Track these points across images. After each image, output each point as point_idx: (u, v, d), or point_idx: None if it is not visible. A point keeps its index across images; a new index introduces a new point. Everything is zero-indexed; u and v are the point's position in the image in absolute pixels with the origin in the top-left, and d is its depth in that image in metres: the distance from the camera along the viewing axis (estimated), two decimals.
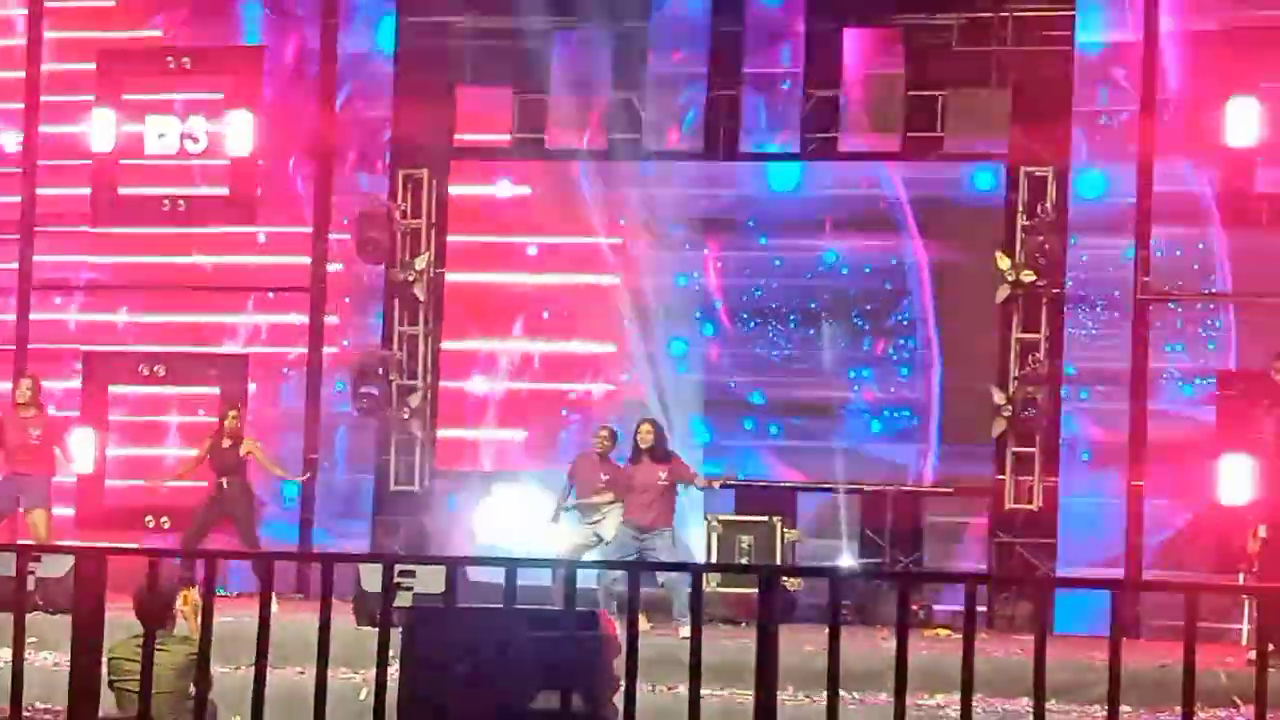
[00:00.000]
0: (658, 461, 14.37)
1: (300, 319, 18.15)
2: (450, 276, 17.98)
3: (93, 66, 18.39)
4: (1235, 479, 15.29)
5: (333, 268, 18.08)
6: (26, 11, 18.68)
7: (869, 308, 17.07)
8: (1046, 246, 16.55)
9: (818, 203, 17.34)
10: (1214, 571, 15.07)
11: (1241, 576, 14.20)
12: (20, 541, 14.54)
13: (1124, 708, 7.20)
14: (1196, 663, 6.64)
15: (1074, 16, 16.69)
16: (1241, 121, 15.90)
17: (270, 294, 18.29)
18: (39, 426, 15.38)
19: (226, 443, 15.68)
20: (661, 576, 14.14)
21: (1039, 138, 16.77)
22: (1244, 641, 13.72)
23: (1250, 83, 15.99)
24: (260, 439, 16.24)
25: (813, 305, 17.16)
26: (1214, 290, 16.31)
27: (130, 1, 18.52)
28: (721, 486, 15.78)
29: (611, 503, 14.64)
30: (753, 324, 17.30)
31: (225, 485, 15.62)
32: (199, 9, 18.39)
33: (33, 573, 11.57)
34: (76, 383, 18.44)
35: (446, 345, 17.95)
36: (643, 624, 8.99)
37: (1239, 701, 11.02)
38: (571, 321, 17.66)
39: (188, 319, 18.39)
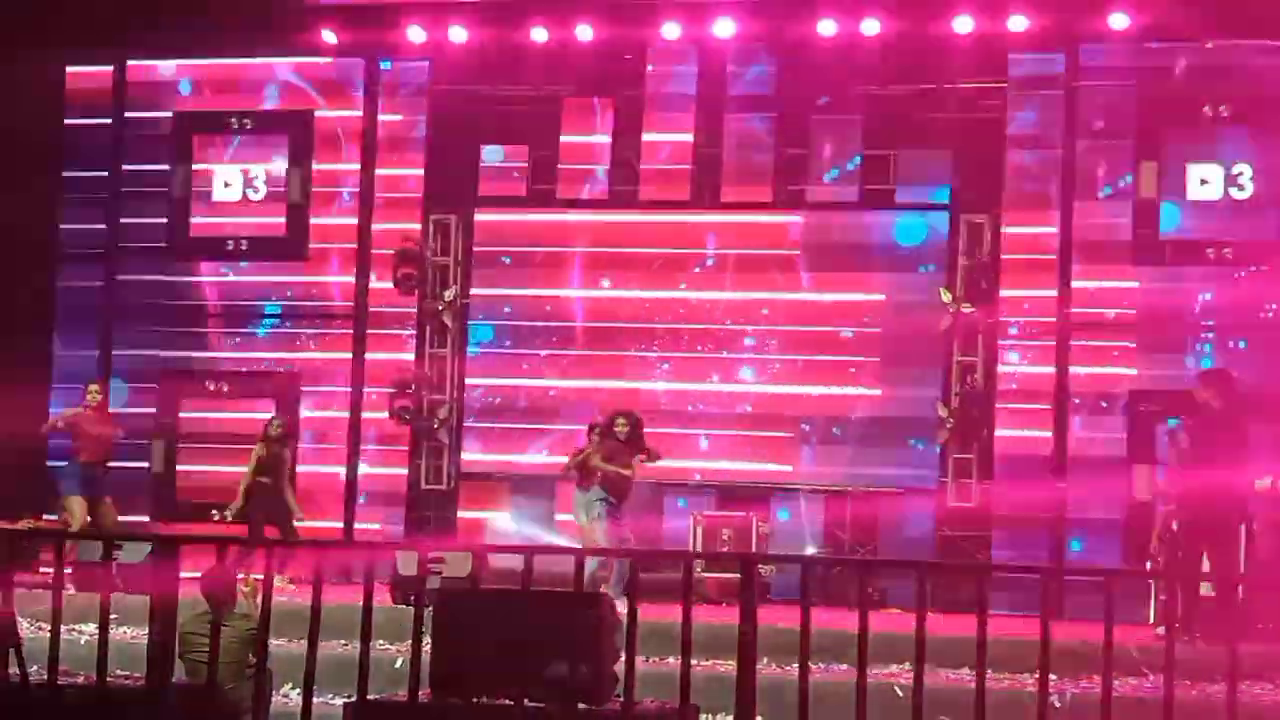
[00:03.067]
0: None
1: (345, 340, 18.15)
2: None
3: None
4: (1144, 482, 15.35)
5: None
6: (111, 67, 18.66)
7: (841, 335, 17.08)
8: (983, 283, 16.60)
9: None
10: (1125, 560, 15.07)
11: (1149, 565, 14.18)
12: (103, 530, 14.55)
13: (1051, 676, 7.16)
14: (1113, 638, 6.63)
15: (1005, 89, 16.71)
16: (1148, 177, 16.00)
17: (319, 320, 18.25)
18: (104, 428, 15.35)
19: (275, 447, 15.62)
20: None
21: (976, 190, 16.79)
22: (1151, 620, 13.68)
23: (1155, 146, 16.07)
24: (307, 445, 16.18)
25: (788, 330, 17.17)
26: (1124, 320, 16.34)
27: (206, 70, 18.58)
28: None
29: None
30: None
31: (268, 484, 15.55)
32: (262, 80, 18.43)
33: (115, 558, 11.55)
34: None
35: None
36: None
37: (1148, 672, 10.98)
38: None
39: (246, 343, 18.38)
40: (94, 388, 15.74)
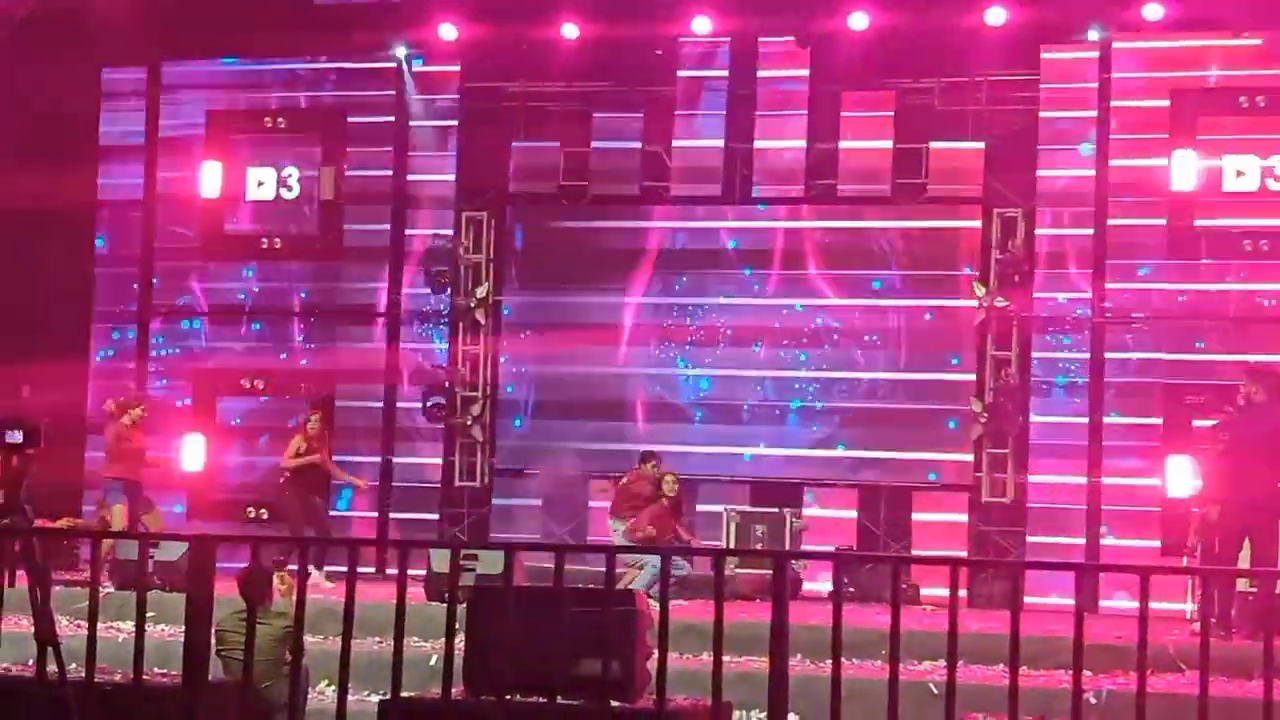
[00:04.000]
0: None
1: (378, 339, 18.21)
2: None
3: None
4: (1178, 476, 15.29)
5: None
6: (145, 77, 18.76)
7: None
8: (1016, 277, 16.55)
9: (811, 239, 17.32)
10: (1162, 556, 15.01)
11: (1185, 560, 14.12)
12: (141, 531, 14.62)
13: (1085, 673, 7.14)
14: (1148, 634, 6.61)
15: (1038, 80, 16.66)
16: (1182, 169, 15.93)
17: (352, 317, 18.31)
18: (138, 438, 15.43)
19: (303, 443, 15.66)
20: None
21: (1009, 184, 16.74)
22: (1188, 616, 13.63)
23: (1189, 137, 16.01)
24: (341, 444, 16.22)
25: (817, 322, 17.15)
26: (1160, 314, 16.27)
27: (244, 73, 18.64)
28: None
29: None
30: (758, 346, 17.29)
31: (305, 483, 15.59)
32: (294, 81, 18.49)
33: (152, 557, 11.63)
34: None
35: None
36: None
37: (1184, 666, 10.94)
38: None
39: (280, 340, 18.45)
40: (139, 409, 15.74)
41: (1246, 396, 12.68)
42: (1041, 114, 16.58)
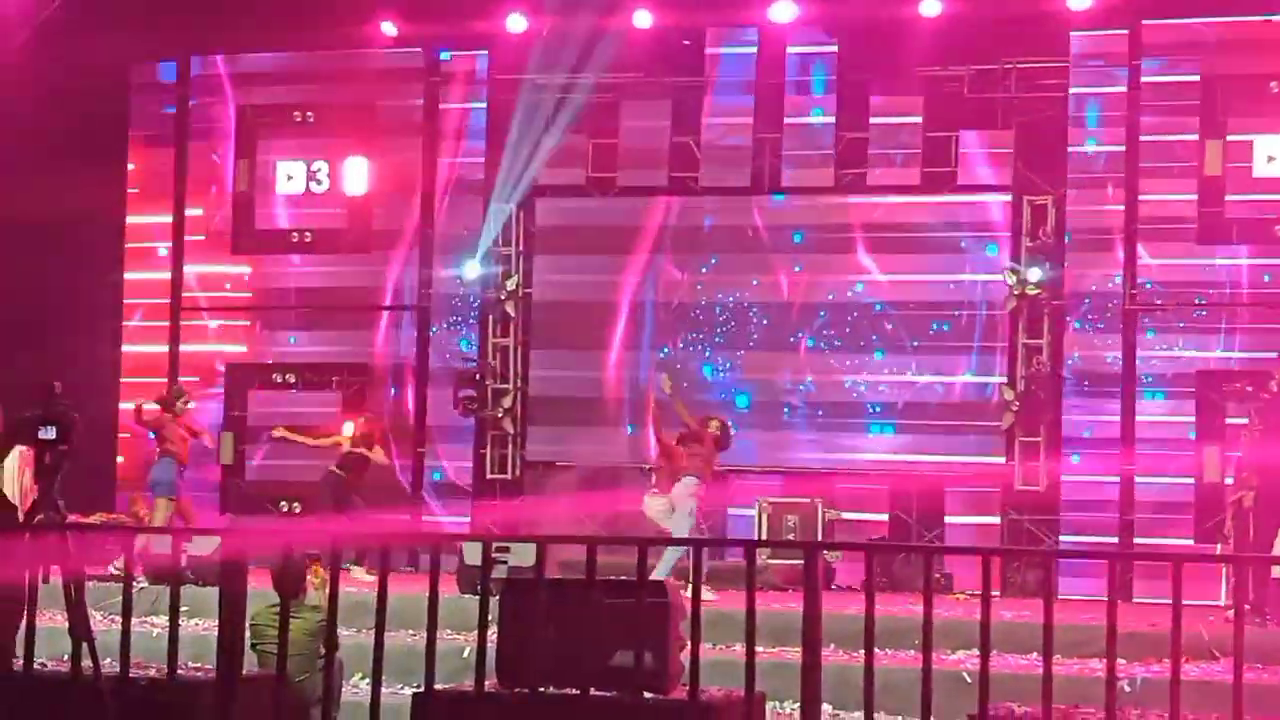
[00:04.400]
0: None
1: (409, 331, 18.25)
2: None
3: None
4: (1213, 463, 15.24)
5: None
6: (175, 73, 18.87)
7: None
8: (1047, 264, 16.49)
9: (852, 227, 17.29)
10: (1196, 543, 14.95)
11: (1219, 547, 14.06)
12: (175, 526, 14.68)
13: (1119, 661, 7.13)
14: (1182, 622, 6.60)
15: (1068, 67, 16.59)
16: (1213, 155, 15.83)
17: (383, 311, 18.35)
18: (185, 427, 15.47)
19: (347, 444, 15.68)
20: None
21: (1039, 171, 16.68)
22: (1222, 602, 13.57)
23: (1220, 125, 15.91)
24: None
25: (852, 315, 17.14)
26: (1192, 300, 16.20)
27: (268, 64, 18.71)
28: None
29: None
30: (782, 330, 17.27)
31: (343, 477, 15.63)
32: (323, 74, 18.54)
33: (185, 551, 11.67)
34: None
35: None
36: (707, 594, 8.93)
37: (1218, 654, 10.91)
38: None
39: (313, 333, 18.50)
40: (176, 389, 15.81)
41: (1277, 384, 12.65)
42: (1072, 99, 16.50)
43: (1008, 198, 16.72)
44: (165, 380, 17.41)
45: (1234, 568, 11.00)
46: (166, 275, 18.71)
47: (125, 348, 18.53)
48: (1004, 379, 16.59)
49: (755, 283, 17.33)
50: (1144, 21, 16.39)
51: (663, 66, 17.50)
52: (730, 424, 14.62)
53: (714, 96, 17.52)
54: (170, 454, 15.03)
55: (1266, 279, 16.06)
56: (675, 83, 17.56)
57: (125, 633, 7.42)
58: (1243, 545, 12.55)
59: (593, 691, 7.20)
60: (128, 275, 18.68)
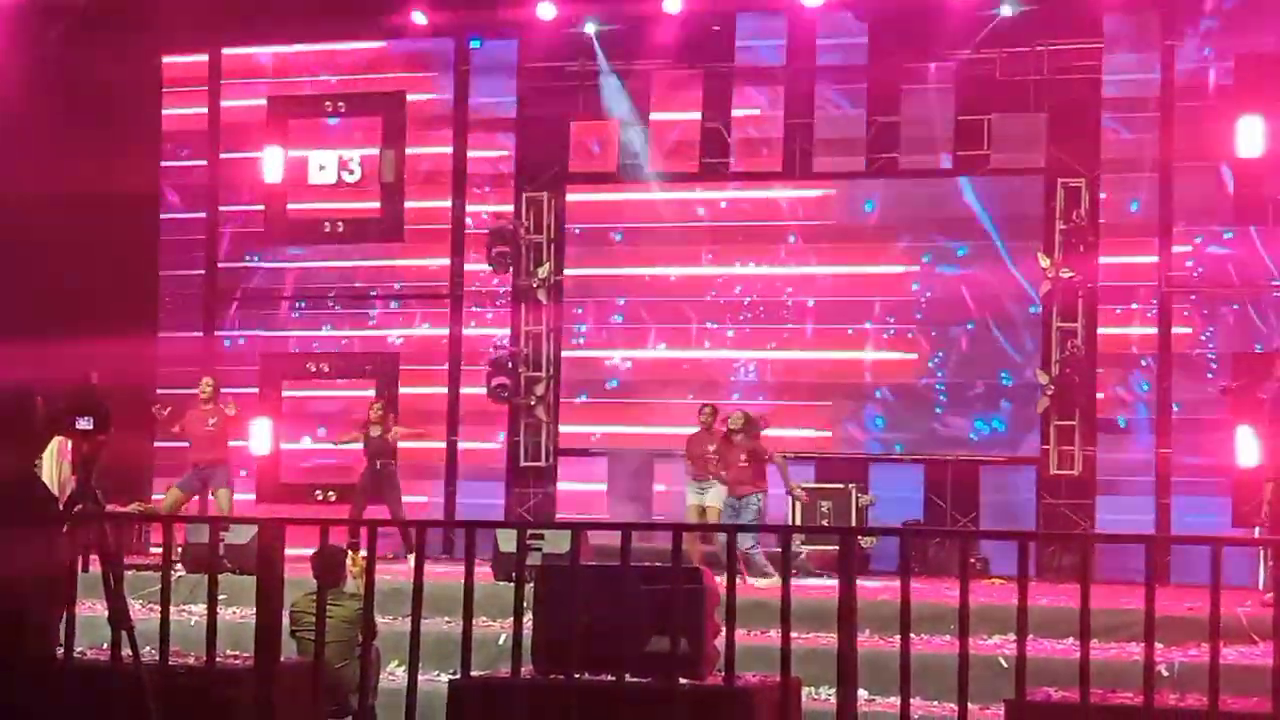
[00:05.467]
0: (739, 443, 14.35)
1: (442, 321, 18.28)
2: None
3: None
4: (1248, 447, 15.14)
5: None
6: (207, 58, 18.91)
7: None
8: (1081, 247, 16.42)
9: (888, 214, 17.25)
10: (1233, 526, 14.88)
11: (1257, 530, 13.99)
12: (210, 514, 14.76)
13: (1157, 644, 7.09)
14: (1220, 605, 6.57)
15: (1101, 49, 16.51)
16: (1249, 136, 15.75)
17: (415, 300, 18.38)
18: (215, 417, 15.52)
19: (376, 430, 15.73)
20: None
21: (1072, 153, 16.60)
22: (1260, 586, 13.50)
23: (1256, 103, 15.83)
24: (406, 424, 16.29)
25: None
26: (1229, 282, 16.12)
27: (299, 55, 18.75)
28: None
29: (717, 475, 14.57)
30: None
31: (379, 467, 15.69)
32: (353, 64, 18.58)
33: (222, 540, 11.73)
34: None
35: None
36: (762, 582, 8.94)
37: (1256, 638, 10.85)
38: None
39: (345, 323, 18.55)
40: (206, 381, 15.90)
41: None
42: (1105, 81, 16.43)
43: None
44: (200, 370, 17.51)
45: (1273, 551, 10.94)
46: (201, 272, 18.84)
47: (163, 333, 18.64)
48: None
49: (785, 267, 17.31)
50: (1176, 2, 16.28)
51: (692, 52, 17.47)
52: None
53: (744, 83, 17.46)
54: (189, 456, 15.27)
55: None
56: (705, 69, 17.52)
57: (164, 621, 7.47)
58: (1278, 529, 12.50)
59: (628, 677, 7.21)
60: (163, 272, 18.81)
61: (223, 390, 16.00)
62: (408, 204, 18.35)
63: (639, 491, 17.20)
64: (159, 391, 17.08)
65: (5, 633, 5.48)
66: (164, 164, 18.82)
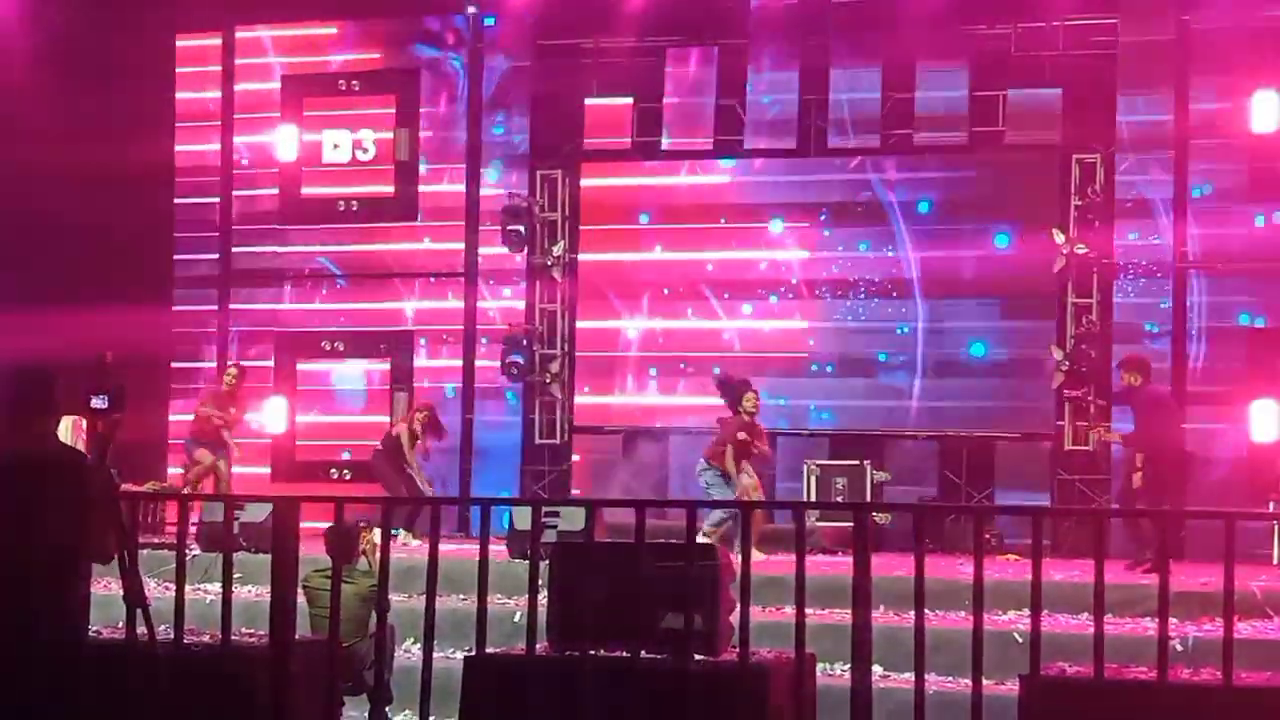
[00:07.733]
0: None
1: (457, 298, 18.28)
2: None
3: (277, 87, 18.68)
4: (1264, 421, 15.11)
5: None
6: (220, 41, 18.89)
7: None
8: (1096, 223, 16.37)
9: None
10: (1248, 501, 14.84)
11: (1272, 505, 13.98)
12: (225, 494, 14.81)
13: (1171, 619, 7.09)
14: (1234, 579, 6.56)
15: (1116, 24, 16.43)
16: (1264, 111, 15.65)
17: (430, 279, 18.37)
18: (234, 407, 15.62)
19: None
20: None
21: (1087, 129, 16.53)
22: (1274, 561, 13.49)
23: (1271, 78, 15.73)
24: (423, 406, 16.27)
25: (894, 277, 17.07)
26: (1242, 257, 16.05)
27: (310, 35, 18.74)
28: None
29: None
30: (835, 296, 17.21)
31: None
32: (367, 42, 18.55)
33: (237, 519, 11.75)
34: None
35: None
36: (757, 555, 8.95)
37: (1271, 612, 10.85)
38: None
39: (361, 303, 18.54)
40: (232, 370, 15.95)
41: None
42: (1120, 56, 16.35)
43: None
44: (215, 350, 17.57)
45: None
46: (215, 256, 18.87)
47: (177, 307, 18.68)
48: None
49: (809, 250, 17.28)
50: None
51: (706, 29, 17.40)
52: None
53: (759, 59, 17.39)
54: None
55: None
56: (720, 45, 17.46)
57: (179, 599, 7.49)
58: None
59: (643, 654, 7.22)
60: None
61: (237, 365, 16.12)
62: (422, 183, 18.30)
63: (654, 470, 17.23)
64: (173, 366, 17.12)
65: (41, 607, 5.56)
66: (178, 148, 18.81)
